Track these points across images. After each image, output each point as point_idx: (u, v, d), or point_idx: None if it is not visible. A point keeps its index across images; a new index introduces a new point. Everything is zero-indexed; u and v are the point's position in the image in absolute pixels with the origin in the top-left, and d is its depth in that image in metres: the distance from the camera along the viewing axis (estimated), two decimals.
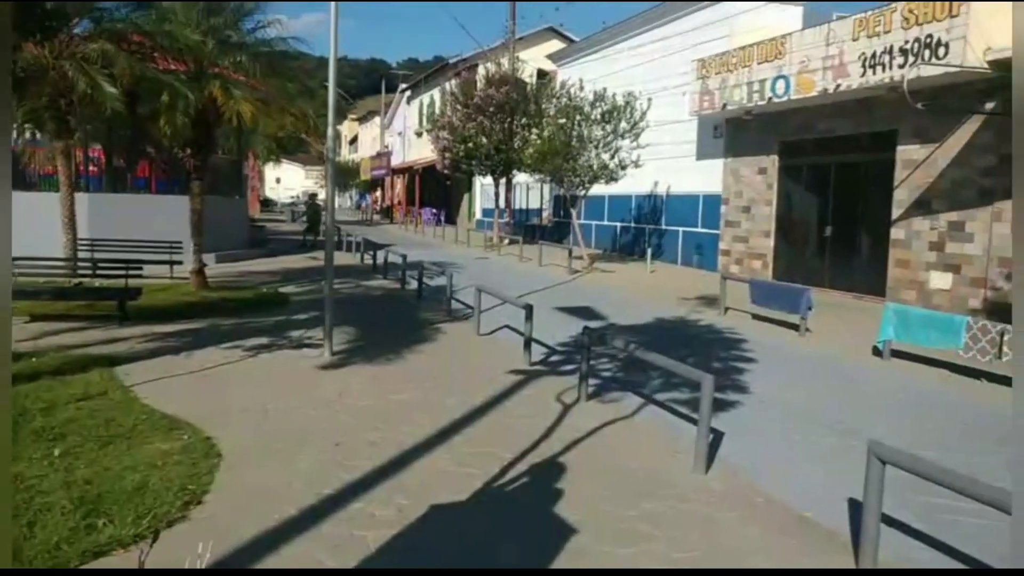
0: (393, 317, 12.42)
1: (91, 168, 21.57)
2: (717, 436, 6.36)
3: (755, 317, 12.81)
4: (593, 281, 18.37)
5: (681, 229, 21.92)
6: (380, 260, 19.38)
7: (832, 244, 16.56)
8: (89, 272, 11.69)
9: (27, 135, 18.18)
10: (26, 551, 3.87)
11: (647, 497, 5.07)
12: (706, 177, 20.42)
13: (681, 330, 12.08)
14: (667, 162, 21.57)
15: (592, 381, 8.05)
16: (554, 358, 9.66)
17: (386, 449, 5.85)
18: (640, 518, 4.73)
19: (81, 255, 14.95)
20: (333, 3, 8.28)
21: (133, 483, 4.82)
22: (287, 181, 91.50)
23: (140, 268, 11.50)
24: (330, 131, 8.88)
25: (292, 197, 74.82)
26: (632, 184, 21.92)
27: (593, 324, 12.16)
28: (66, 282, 11.80)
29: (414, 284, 15.08)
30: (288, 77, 13.54)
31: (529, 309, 9.22)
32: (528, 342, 9.18)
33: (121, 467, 5.14)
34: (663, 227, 22.94)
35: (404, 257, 16.90)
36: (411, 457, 5.71)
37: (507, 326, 11.25)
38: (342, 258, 22.54)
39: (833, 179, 16.54)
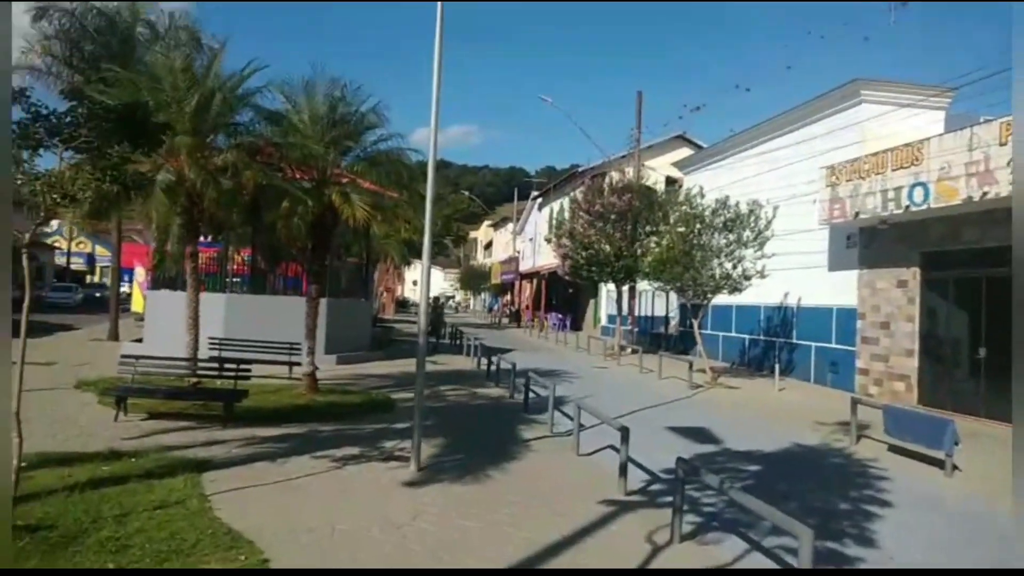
0: (493, 429, 12.01)
1: (242, 268, 23.24)
2: None
3: (893, 449, 11.39)
4: (715, 398, 17.26)
5: (814, 344, 20.45)
6: (495, 366, 19.13)
7: (987, 367, 14.75)
8: (215, 371, 12.02)
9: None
10: None
11: None
12: (839, 289, 19.08)
13: (805, 460, 10.89)
14: (797, 272, 20.41)
15: (693, 518, 7.24)
16: (655, 486, 8.85)
17: None
18: None
19: (212, 354, 15.77)
20: (432, 118, 8.40)
21: None
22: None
23: (249, 369, 11.80)
24: (426, 242, 8.88)
25: (431, 297, 77.40)
26: (760, 294, 20.86)
27: (705, 449, 11.24)
28: (186, 381, 12.30)
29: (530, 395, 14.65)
30: (402, 185, 13.99)
31: (625, 432, 8.55)
32: (624, 468, 8.47)
33: None
34: (794, 341, 21.51)
35: (514, 366, 16.58)
36: None
37: (611, 446, 10.54)
38: (460, 363, 22.61)
39: (985, 294, 14.90)
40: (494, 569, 3.36)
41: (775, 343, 22.42)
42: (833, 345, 19.55)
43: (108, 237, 26.18)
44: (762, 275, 18.92)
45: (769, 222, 18.91)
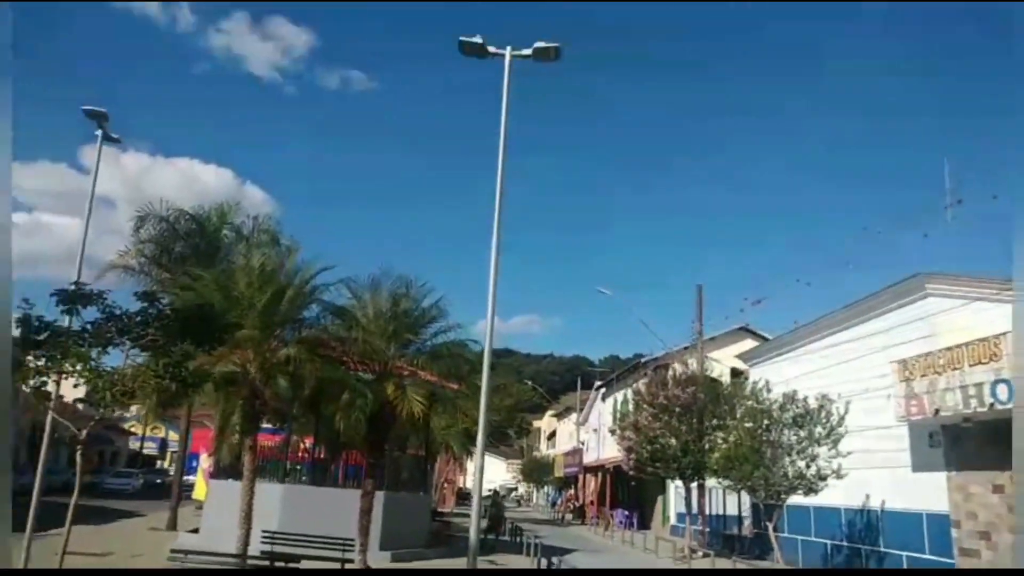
0: None
1: (305, 456, 23.25)
2: None
3: None
4: None
5: (904, 554, 18.66)
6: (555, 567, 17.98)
7: None
8: (266, 570, 11.66)
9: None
10: None
11: None
12: (927, 492, 17.67)
13: None
14: (878, 472, 19.14)
15: None
16: None
17: None
18: None
19: (264, 548, 15.38)
20: (488, 324, 8.57)
21: None
22: (487, 473, 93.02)
23: (297, 567, 11.40)
24: (480, 438, 8.75)
25: (489, 490, 75.37)
26: (840, 495, 19.50)
27: None
28: None
29: None
30: (461, 377, 14.11)
31: None
32: None
33: None
34: (881, 549, 19.70)
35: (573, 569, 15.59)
36: None
37: None
38: (519, 561, 21.42)
39: None
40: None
41: (860, 551, 20.58)
42: (927, 556, 17.80)
43: (180, 422, 26.84)
44: (838, 475, 17.83)
45: (842, 418, 18.11)
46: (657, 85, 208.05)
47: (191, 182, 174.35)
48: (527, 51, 11.24)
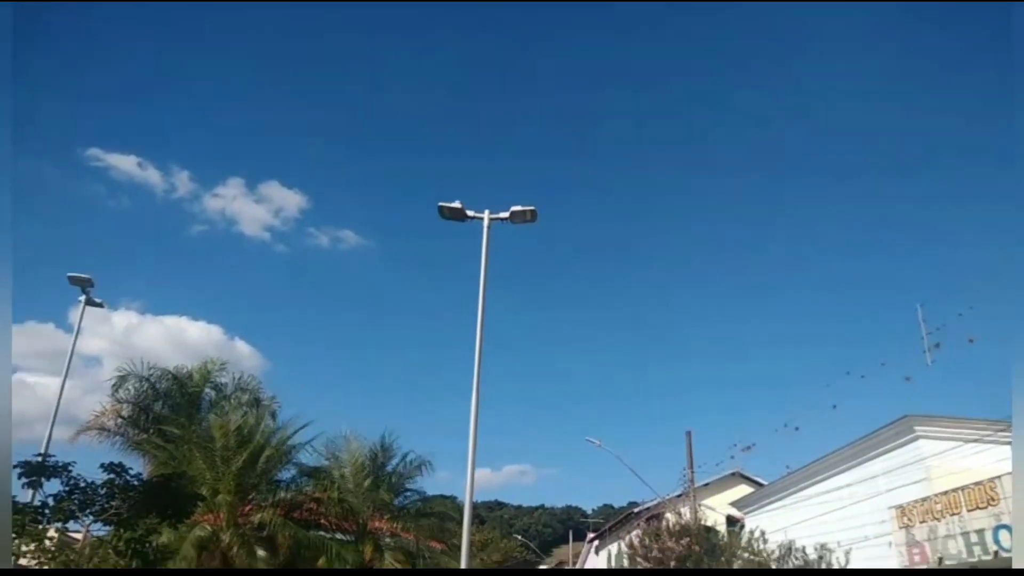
0: None
1: None
2: None
3: None
4: None
5: None
6: None
7: None
8: None
9: None
10: None
11: None
12: None
13: None
14: None
15: None
16: None
17: None
18: None
19: None
20: (468, 481, 8.35)
21: None
22: None
23: None
24: None
25: None
26: None
27: None
28: None
29: None
30: (443, 536, 13.57)
31: None
32: None
33: None
34: None
35: None
36: None
37: None
38: None
39: None
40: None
41: None
42: None
43: None
44: None
45: (843, 569, 17.36)
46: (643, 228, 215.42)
47: (180, 338, 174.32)
48: (504, 214, 11.65)
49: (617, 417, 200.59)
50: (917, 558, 16.28)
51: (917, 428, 18.23)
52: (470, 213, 11.61)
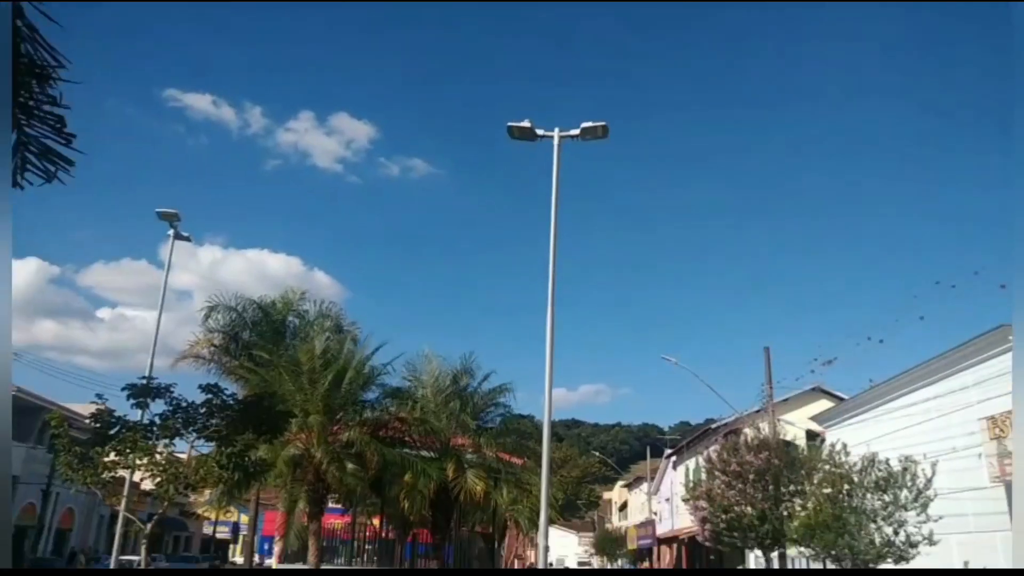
0: None
1: (373, 536, 23.29)
2: None
3: None
4: None
5: None
6: None
7: None
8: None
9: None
10: None
11: None
12: None
13: None
14: (975, 536, 17.88)
15: None
16: None
17: None
18: None
19: None
20: (546, 399, 8.50)
21: None
22: (559, 547, 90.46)
23: None
24: (543, 516, 8.55)
25: (554, 564, 73.22)
26: (934, 563, 18.21)
27: None
28: None
29: None
30: (525, 452, 13.96)
31: None
32: None
33: None
34: None
35: None
36: None
37: None
38: None
39: None
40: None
41: None
42: None
43: (250, 505, 27.21)
44: (930, 541, 16.69)
45: (929, 480, 17.05)
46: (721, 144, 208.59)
47: (262, 270, 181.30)
48: (575, 131, 11.36)
49: (693, 337, 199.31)
50: (1009, 469, 15.88)
51: (1013, 338, 17.46)
52: (540, 132, 11.38)
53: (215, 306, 23.91)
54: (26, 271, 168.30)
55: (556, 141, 11.32)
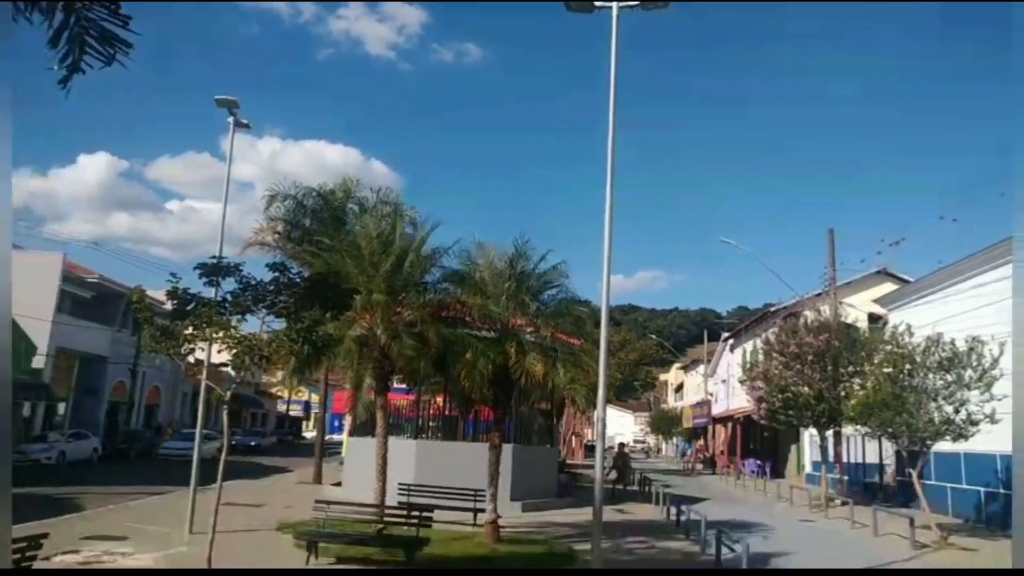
0: None
1: (437, 413, 24.55)
2: None
3: None
4: (945, 562, 14.96)
5: None
6: (684, 517, 17.90)
7: None
8: (402, 518, 12.17)
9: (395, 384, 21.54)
10: None
11: None
12: None
13: None
14: None
15: None
16: None
17: None
18: None
19: (401, 499, 16.21)
20: (605, 269, 8.54)
21: None
22: (615, 426, 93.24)
23: (431, 516, 11.95)
24: (600, 392, 8.81)
25: (615, 444, 75.70)
26: (996, 441, 18.20)
27: None
28: (372, 527, 12.64)
29: (723, 551, 13.46)
30: (583, 334, 14.21)
31: None
32: None
33: None
34: None
35: (704, 518, 15.45)
36: None
37: None
38: (648, 512, 21.56)
39: None
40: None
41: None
42: None
43: (320, 385, 28.77)
44: (992, 419, 16.63)
45: (996, 360, 16.80)
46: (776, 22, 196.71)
47: (320, 161, 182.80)
48: (635, 1, 10.81)
49: (754, 223, 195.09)
50: None
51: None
52: (598, 3, 10.86)
53: (276, 194, 24.46)
54: (97, 165, 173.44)
55: (615, 12, 10.79)
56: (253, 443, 45.75)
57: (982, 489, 21.23)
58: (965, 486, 22.04)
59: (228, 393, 6.45)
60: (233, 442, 37.96)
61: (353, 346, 12.83)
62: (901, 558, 15.28)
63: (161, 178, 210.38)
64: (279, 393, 71.67)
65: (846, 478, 27.96)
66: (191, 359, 6.60)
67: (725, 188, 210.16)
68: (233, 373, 6.90)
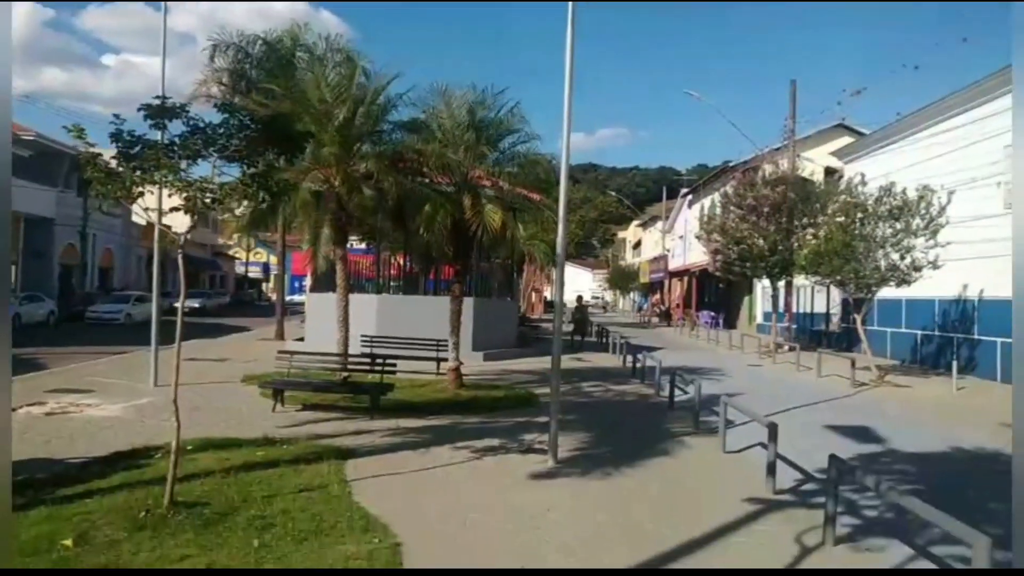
0: (636, 426, 11.73)
1: (398, 272, 24.68)
2: None
3: None
4: (880, 397, 15.99)
5: (999, 339, 18.39)
6: (640, 364, 18.69)
7: None
8: (366, 367, 12.45)
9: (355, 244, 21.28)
10: None
11: None
12: None
13: (983, 464, 9.80)
14: (977, 262, 18.47)
15: (851, 520, 6.73)
16: (808, 486, 8.28)
17: None
18: None
19: (365, 350, 16.50)
20: (565, 120, 8.33)
21: None
22: (574, 283, 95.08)
23: (395, 364, 12.25)
24: (560, 242, 8.83)
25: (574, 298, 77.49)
26: (934, 287, 19.07)
27: (867, 449, 10.45)
28: (337, 376, 12.92)
29: (675, 393, 14.15)
30: (542, 187, 14.07)
31: (773, 428, 8.04)
32: (772, 466, 7.97)
33: (304, 565, 5.21)
34: (975, 336, 19.51)
35: (659, 363, 16.12)
36: None
37: (760, 444, 9.93)
38: (604, 360, 22.40)
39: None
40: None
41: (953, 339, 20.44)
42: None
43: (276, 246, 28.46)
44: (935, 266, 17.32)
45: (943, 208, 17.26)
46: None
47: (265, 10, 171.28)
48: None
49: (718, 79, 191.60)
50: None
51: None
52: None
53: (219, 44, 23.03)
54: (18, 13, 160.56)
55: None
56: (197, 304, 42.49)
57: (919, 332, 22.44)
58: (904, 330, 23.25)
59: (183, 238, 6.28)
60: (174, 305, 37.74)
61: (309, 198, 12.54)
62: (842, 394, 16.29)
63: (94, 28, 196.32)
64: (236, 255, 71.06)
65: (795, 327, 29.26)
66: (140, 204, 6.31)
67: (691, 40, 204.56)
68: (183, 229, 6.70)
